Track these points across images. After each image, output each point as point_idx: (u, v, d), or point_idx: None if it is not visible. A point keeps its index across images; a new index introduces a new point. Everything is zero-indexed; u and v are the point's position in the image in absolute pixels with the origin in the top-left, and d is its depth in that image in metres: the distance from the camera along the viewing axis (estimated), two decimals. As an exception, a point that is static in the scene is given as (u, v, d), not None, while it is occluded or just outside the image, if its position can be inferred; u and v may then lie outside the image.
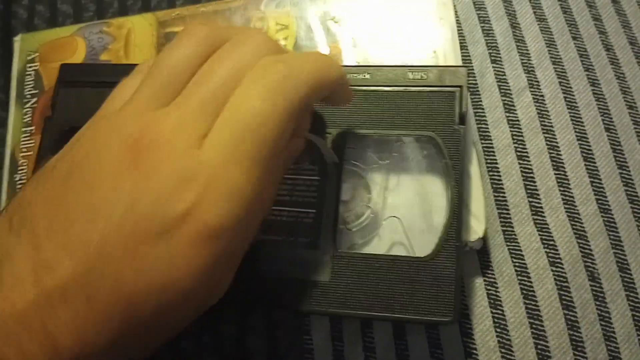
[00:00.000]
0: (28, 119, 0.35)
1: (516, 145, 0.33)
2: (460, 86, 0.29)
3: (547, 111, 0.33)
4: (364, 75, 0.30)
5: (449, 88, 0.29)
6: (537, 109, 0.33)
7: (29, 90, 0.36)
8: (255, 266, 0.28)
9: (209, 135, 0.21)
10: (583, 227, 0.31)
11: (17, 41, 0.37)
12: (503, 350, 0.29)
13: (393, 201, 0.29)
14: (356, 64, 0.34)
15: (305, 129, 0.27)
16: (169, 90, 0.23)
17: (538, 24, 0.35)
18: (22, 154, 0.35)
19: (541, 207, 0.32)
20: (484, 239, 0.31)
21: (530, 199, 0.32)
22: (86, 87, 0.32)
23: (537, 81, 0.34)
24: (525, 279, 0.30)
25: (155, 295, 0.20)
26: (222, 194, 0.20)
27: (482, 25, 0.36)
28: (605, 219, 0.31)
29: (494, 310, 0.30)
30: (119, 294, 0.20)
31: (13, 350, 0.19)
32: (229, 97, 0.22)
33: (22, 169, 0.35)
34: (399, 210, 0.29)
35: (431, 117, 0.28)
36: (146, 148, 0.21)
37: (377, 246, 0.29)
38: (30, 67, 0.36)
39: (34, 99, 0.36)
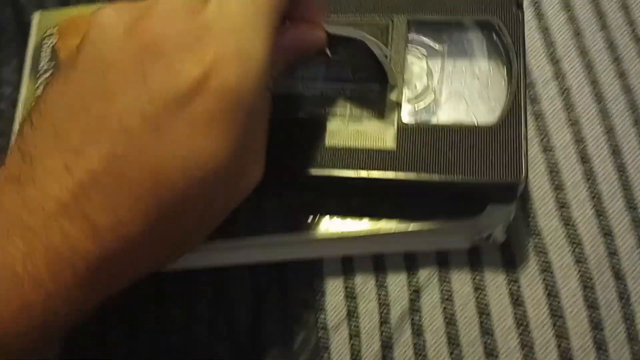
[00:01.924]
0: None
1: (541, 137, 0.29)
2: None
3: (574, 104, 0.29)
4: None
5: None
6: (563, 101, 0.29)
7: (44, 64, 0.32)
8: (321, 138, 0.26)
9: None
10: (609, 224, 0.27)
11: (36, 17, 0.33)
12: (524, 350, 0.26)
13: (452, 84, 0.27)
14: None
15: (318, 17, 0.24)
16: None
17: (564, 13, 0.31)
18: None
19: (567, 202, 0.28)
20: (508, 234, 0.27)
21: (556, 192, 0.28)
22: None
23: (563, 73, 0.30)
24: (549, 276, 0.27)
25: (182, 171, 0.18)
26: (236, 55, 0.18)
27: (506, 14, 0.32)
28: (633, 216, 0.27)
29: (515, 308, 0.26)
30: (146, 173, 0.18)
31: (58, 237, 0.18)
32: None
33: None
34: (459, 91, 0.27)
35: (490, 2, 0.26)
36: (146, 26, 0.19)
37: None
38: (46, 42, 0.32)
39: (49, 72, 0.32)
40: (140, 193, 0.18)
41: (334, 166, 0.25)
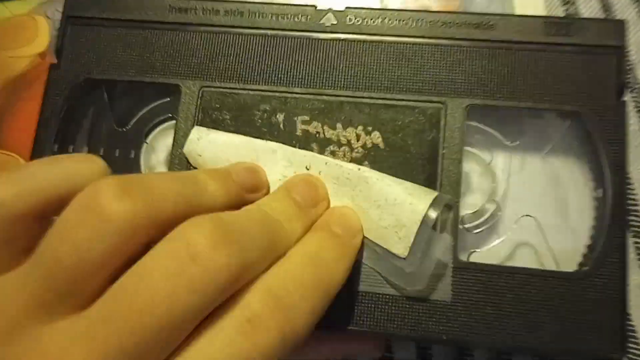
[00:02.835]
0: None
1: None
2: (617, 47, 0.19)
3: (654, 122, 0.23)
4: (488, 26, 0.20)
5: (601, 49, 0.19)
6: (640, 119, 0.23)
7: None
8: (357, 285, 0.19)
9: None
10: None
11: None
12: None
13: (522, 198, 0.20)
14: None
15: None
16: (70, 298, 0.13)
17: (635, 7, 0.25)
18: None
19: (651, 251, 0.22)
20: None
21: (636, 240, 0.22)
22: (102, 25, 0.22)
23: (638, 83, 0.24)
24: (635, 347, 0.21)
25: None
26: None
27: (559, 5, 0.25)
28: None
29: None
30: None
31: None
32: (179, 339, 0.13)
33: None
34: (530, 210, 0.20)
35: (577, 87, 0.19)
36: None
37: (498, 250, 0.20)
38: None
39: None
40: None
41: (378, 321, 0.18)
